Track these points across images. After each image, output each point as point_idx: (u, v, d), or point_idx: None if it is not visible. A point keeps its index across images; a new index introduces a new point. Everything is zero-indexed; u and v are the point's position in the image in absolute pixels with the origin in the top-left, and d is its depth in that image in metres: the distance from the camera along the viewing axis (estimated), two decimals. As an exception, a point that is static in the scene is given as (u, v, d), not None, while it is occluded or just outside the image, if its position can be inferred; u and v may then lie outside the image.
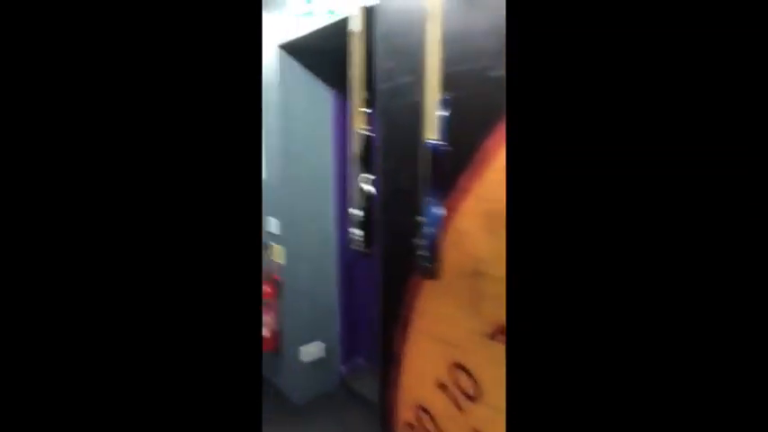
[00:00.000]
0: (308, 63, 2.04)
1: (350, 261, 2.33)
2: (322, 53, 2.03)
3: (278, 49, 1.93)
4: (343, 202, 2.25)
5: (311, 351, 2.24)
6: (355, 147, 1.06)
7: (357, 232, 1.05)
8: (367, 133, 0.98)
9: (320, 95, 2.13)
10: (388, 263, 1.34)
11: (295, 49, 1.96)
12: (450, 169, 1.02)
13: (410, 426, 1.35)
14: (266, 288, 2.11)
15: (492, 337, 1.01)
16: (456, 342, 1.11)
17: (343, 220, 2.26)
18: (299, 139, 2.05)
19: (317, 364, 2.27)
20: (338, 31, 1.66)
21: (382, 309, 1.40)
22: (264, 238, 2.19)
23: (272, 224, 2.13)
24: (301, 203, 2.10)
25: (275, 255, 2.13)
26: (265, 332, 2.13)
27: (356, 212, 1.04)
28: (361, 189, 1.01)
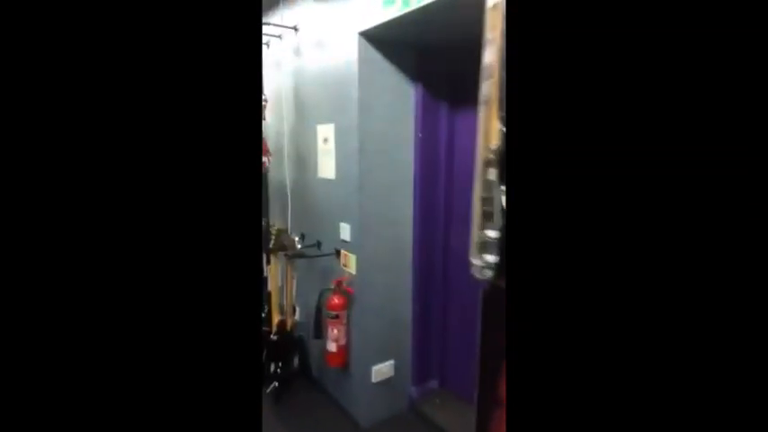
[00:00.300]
0: (390, 53, 1.83)
1: (425, 274, 2.11)
2: (405, 42, 1.82)
3: (358, 37, 1.74)
4: (424, 209, 2.04)
5: (383, 371, 2.05)
6: (483, 149, 0.84)
7: (489, 259, 0.83)
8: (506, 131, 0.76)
9: (403, 89, 1.91)
10: (498, 290, 1.12)
11: (377, 37, 1.75)
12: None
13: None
14: (337, 300, 1.93)
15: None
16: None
17: (422, 228, 2.05)
18: (376, 137, 1.85)
19: (385, 383, 2.08)
20: (427, 16, 1.45)
21: (484, 343, 1.18)
22: (336, 244, 2.01)
23: (343, 230, 1.95)
24: (376, 208, 1.90)
25: (346, 263, 1.96)
26: (333, 347, 1.97)
27: (492, 234, 0.82)
28: (498, 204, 0.79)
